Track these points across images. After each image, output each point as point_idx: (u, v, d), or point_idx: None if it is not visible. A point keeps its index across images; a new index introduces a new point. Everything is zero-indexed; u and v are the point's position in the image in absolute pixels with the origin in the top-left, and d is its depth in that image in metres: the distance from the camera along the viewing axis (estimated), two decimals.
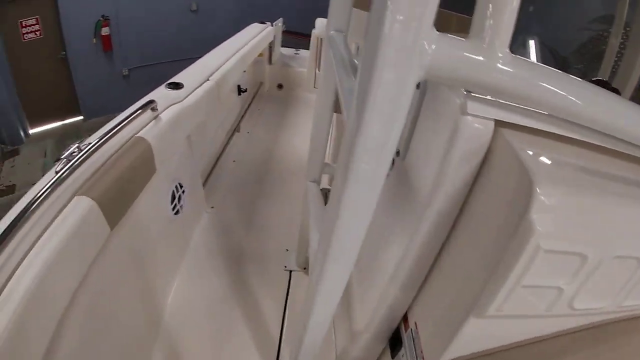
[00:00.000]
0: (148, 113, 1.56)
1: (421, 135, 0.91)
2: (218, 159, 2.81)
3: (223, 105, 2.56)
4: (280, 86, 4.14)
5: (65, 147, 1.20)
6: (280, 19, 4.11)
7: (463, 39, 0.53)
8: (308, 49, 4.13)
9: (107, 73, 7.16)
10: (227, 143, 3.01)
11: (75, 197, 1.16)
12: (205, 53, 2.76)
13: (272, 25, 3.79)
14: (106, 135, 1.29)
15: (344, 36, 1.21)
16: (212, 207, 2.40)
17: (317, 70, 3.93)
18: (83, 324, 1.20)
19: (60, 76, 6.83)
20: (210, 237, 2.20)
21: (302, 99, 4.00)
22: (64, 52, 6.65)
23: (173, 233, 1.95)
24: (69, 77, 6.88)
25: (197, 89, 1.99)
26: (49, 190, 1.05)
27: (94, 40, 6.68)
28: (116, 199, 1.30)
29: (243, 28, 3.91)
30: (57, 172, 1.12)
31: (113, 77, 7.26)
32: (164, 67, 7.44)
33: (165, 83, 1.94)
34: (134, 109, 1.48)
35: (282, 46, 4.38)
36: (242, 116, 3.42)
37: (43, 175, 1.20)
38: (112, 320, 1.40)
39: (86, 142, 1.27)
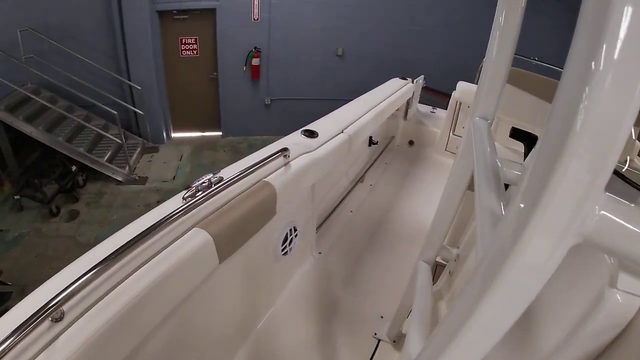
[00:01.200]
0: (280, 159, 1.63)
1: (560, 281, 0.79)
2: (337, 206, 2.75)
3: (352, 154, 2.55)
4: (411, 143, 4.00)
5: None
6: (422, 76, 4.03)
7: (635, 206, 0.46)
8: (445, 109, 3.98)
9: (251, 99, 7.79)
10: (349, 192, 2.95)
11: (195, 229, 1.24)
12: (345, 97, 2.75)
13: (412, 82, 3.73)
14: (238, 175, 1.37)
15: (488, 125, 1.07)
16: (320, 253, 2.33)
17: (451, 133, 3.73)
18: (175, 330, 1.28)
19: (208, 93, 7.62)
20: (310, 282, 2.15)
21: (432, 160, 3.80)
22: (216, 73, 7.42)
23: (277, 271, 1.97)
24: (216, 96, 7.64)
25: (330, 141, 2.02)
26: (174, 215, 1.13)
27: (244, 68, 7.35)
28: (232, 237, 1.35)
29: (385, 78, 3.91)
30: (184, 199, 1.22)
31: (255, 104, 7.87)
32: (303, 103, 7.91)
33: (301, 129, 2.01)
34: (268, 153, 1.56)
35: (419, 102, 4.29)
36: (369, 167, 3.35)
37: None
38: (202, 332, 1.47)
39: (218, 175, 1.35)
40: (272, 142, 1.77)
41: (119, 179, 5.97)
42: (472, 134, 1.04)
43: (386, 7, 7.39)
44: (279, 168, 1.63)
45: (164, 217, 1.10)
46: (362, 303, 2.07)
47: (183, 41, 7.09)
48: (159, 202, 5.88)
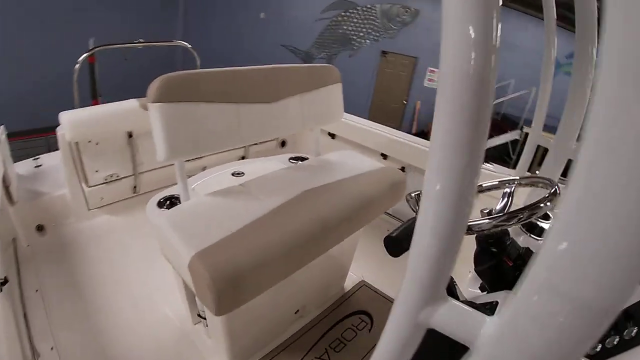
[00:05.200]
0: None
1: None
2: None
3: None
4: (40, 228, 2.63)
5: None
6: (1, 127, 2.51)
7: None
8: (44, 151, 2.73)
9: None
10: None
11: None
12: None
13: None
14: None
15: None
16: None
17: (84, 187, 2.55)
18: None
19: None
20: None
21: (81, 235, 2.51)
22: None
23: None
24: None
25: None
26: None
27: None
28: None
29: None
30: None
31: None
32: None
33: None
34: None
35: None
36: (26, 318, 1.88)
37: None
38: None
39: None
40: None
41: None
42: None
43: None
44: None
45: None
46: None
47: None
48: None
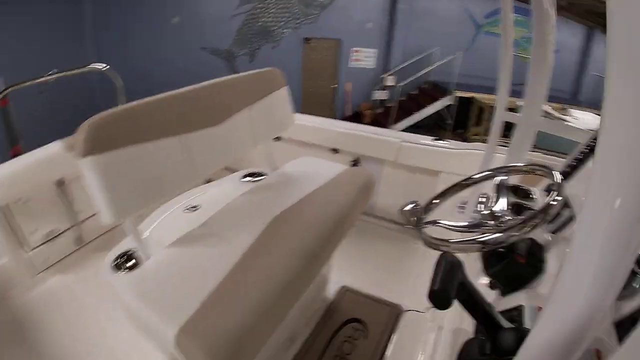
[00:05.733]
0: None
1: None
2: None
3: None
4: None
5: None
6: None
7: None
8: None
9: None
10: None
11: None
12: None
13: None
14: None
15: None
16: None
17: (24, 251, 2.21)
18: None
19: None
20: None
21: (36, 305, 2.16)
22: None
23: None
24: None
25: None
26: None
27: None
28: None
29: None
30: None
31: None
32: None
33: None
34: None
35: None
36: None
37: None
38: None
39: None
40: None
41: None
42: None
43: None
44: None
45: None
46: None
47: None
48: None
